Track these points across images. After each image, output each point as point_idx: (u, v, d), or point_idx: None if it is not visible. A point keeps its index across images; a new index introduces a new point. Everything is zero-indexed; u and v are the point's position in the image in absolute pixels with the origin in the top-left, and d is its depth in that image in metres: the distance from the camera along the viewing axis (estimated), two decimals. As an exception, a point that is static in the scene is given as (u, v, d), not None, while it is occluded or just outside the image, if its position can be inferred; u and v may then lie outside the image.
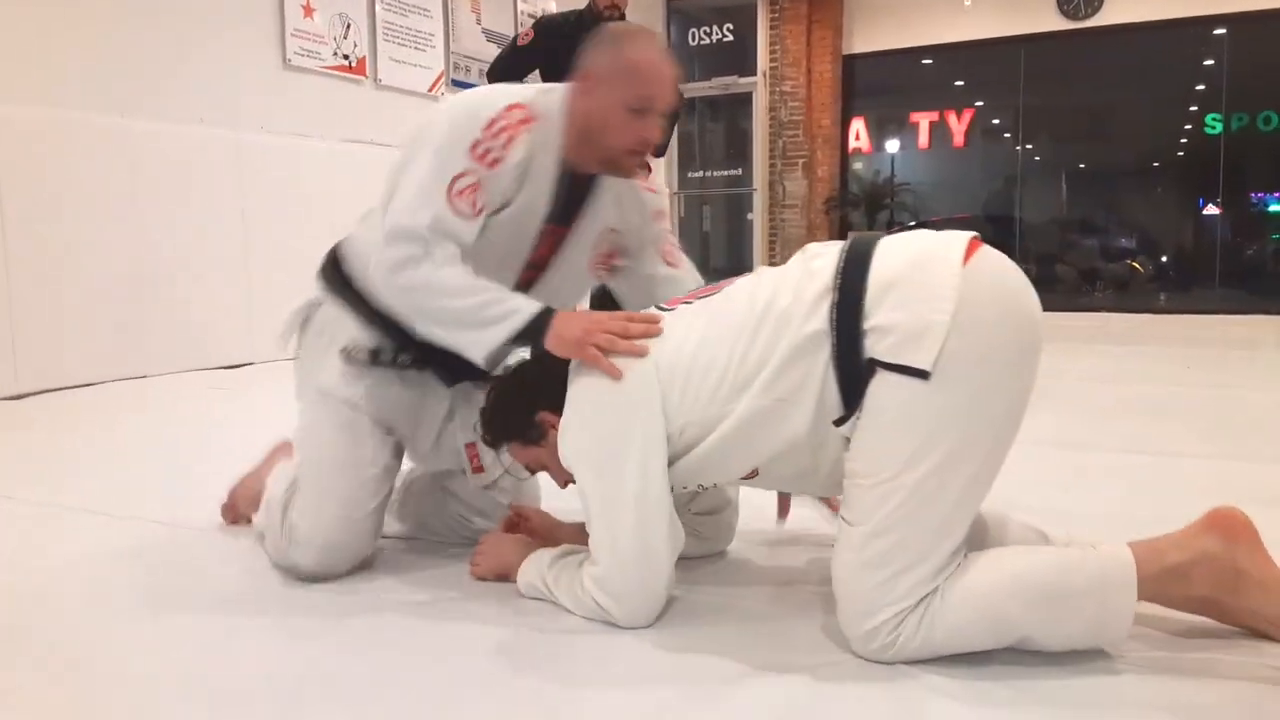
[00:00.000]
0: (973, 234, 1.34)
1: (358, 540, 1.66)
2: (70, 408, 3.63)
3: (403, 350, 1.65)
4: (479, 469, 1.75)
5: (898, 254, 1.33)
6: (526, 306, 1.48)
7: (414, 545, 1.88)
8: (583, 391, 1.42)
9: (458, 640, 1.40)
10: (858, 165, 9.61)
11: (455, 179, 1.51)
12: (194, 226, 4.58)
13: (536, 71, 3.96)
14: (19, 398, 3.78)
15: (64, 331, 4.02)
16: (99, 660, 1.36)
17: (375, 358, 1.67)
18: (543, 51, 3.90)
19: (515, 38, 3.97)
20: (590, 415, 1.41)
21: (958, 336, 1.24)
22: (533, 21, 4.01)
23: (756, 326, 1.35)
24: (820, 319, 1.30)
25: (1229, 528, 1.27)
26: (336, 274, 1.72)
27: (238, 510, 1.95)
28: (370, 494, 1.67)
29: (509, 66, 3.96)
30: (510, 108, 1.54)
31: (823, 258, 1.37)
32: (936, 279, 1.27)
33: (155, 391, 4.00)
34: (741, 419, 1.34)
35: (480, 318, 1.46)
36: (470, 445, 1.72)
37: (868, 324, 1.27)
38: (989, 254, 1.33)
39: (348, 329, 1.69)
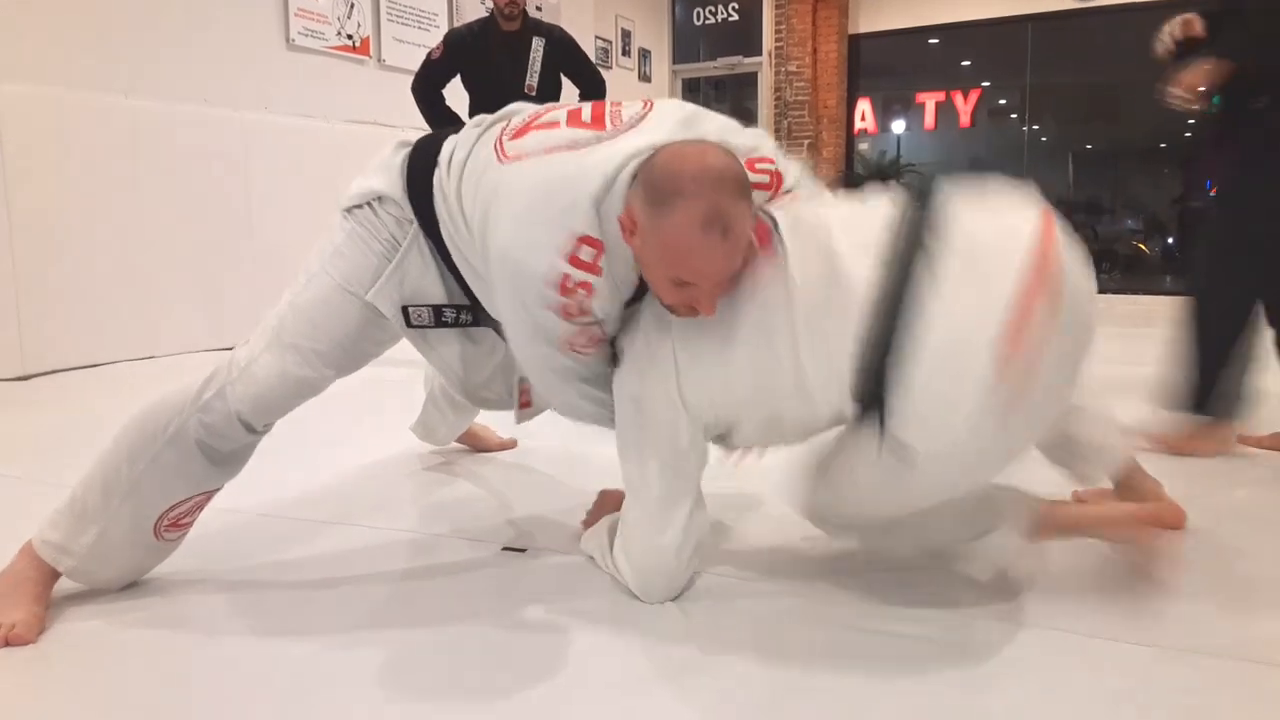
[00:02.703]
0: (1043, 209, 1.28)
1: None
2: (76, 388, 3.64)
3: (464, 310, 1.56)
4: (526, 404, 1.74)
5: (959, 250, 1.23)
6: None
7: (418, 533, 1.88)
8: (641, 344, 1.42)
9: (466, 615, 1.42)
10: (863, 146, 9.57)
11: (564, 343, 1.38)
12: (197, 206, 4.58)
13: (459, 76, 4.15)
14: (25, 378, 3.79)
15: (69, 312, 4.03)
16: (98, 640, 1.37)
17: (439, 316, 1.55)
18: (453, 64, 4.11)
19: (429, 53, 4.15)
20: (642, 367, 1.41)
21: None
22: (443, 36, 4.26)
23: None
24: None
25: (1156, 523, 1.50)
26: (427, 204, 1.48)
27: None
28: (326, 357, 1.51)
29: (427, 80, 4.15)
30: (580, 243, 1.27)
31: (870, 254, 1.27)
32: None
33: (161, 372, 4.01)
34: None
35: None
36: (523, 382, 1.69)
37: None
38: (1057, 255, 1.25)
39: (417, 271, 1.51)
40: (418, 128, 4.25)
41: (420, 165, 1.50)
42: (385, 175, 1.53)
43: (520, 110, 1.50)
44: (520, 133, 1.40)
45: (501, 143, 1.40)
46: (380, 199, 1.52)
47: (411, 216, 1.50)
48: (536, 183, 1.31)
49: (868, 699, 1.16)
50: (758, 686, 1.19)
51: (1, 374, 3.76)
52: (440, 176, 1.46)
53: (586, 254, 1.27)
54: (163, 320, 4.42)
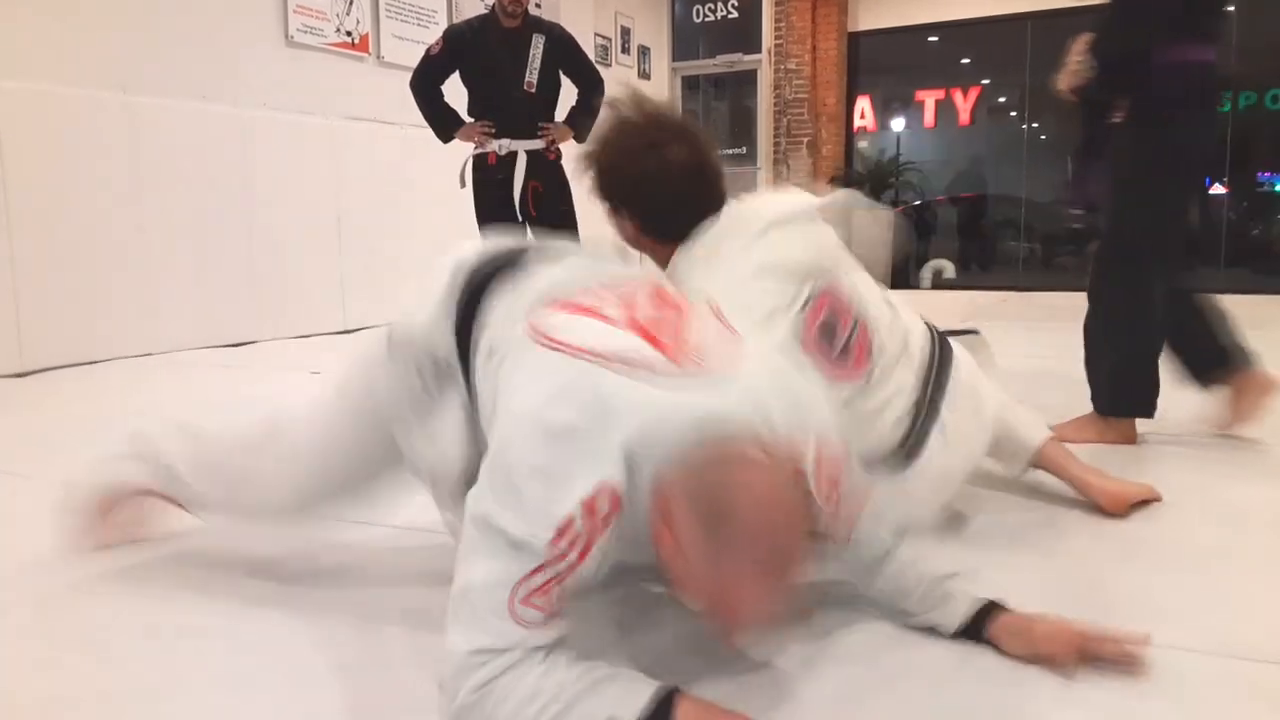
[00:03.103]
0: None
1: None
2: (75, 385, 3.64)
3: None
4: None
5: None
6: (632, 698, 1.00)
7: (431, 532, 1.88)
8: None
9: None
10: (863, 144, 9.57)
11: (519, 584, 1.00)
12: (196, 203, 4.58)
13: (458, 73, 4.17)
14: (23, 375, 3.79)
15: (68, 308, 4.02)
16: (93, 636, 1.37)
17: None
18: (452, 60, 4.13)
19: (428, 49, 4.18)
20: None
21: None
22: (442, 32, 4.34)
23: None
24: None
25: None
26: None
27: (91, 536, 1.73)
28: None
29: (425, 75, 4.17)
30: (596, 496, 0.99)
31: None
32: None
33: (159, 369, 4.01)
34: None
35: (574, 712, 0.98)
36: None
37: None
38: None
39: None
40: (417, 124, 4.25)
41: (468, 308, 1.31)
42: (433, 321, 1.32)
43: (562, 278, 1.26)
44: (564, 307, 1.17)
45: (536, 316, 1.17)
46: (434, 359, 1.32)
47: (460, 378, 1.31)
48: (573, 401, 1.04)
49: (867, 699, 1.16)
50: (757, 686, 1.19)
51: (0, 370, 3.76)
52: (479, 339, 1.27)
53: (605, 502, 1.00)
54: (161, 317, 4.42)
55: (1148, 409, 2.49)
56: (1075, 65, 2.47)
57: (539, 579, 0.99)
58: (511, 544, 0.99)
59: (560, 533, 0.98)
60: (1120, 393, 2.49)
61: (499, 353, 1.20)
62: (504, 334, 1.21)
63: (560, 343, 1.10)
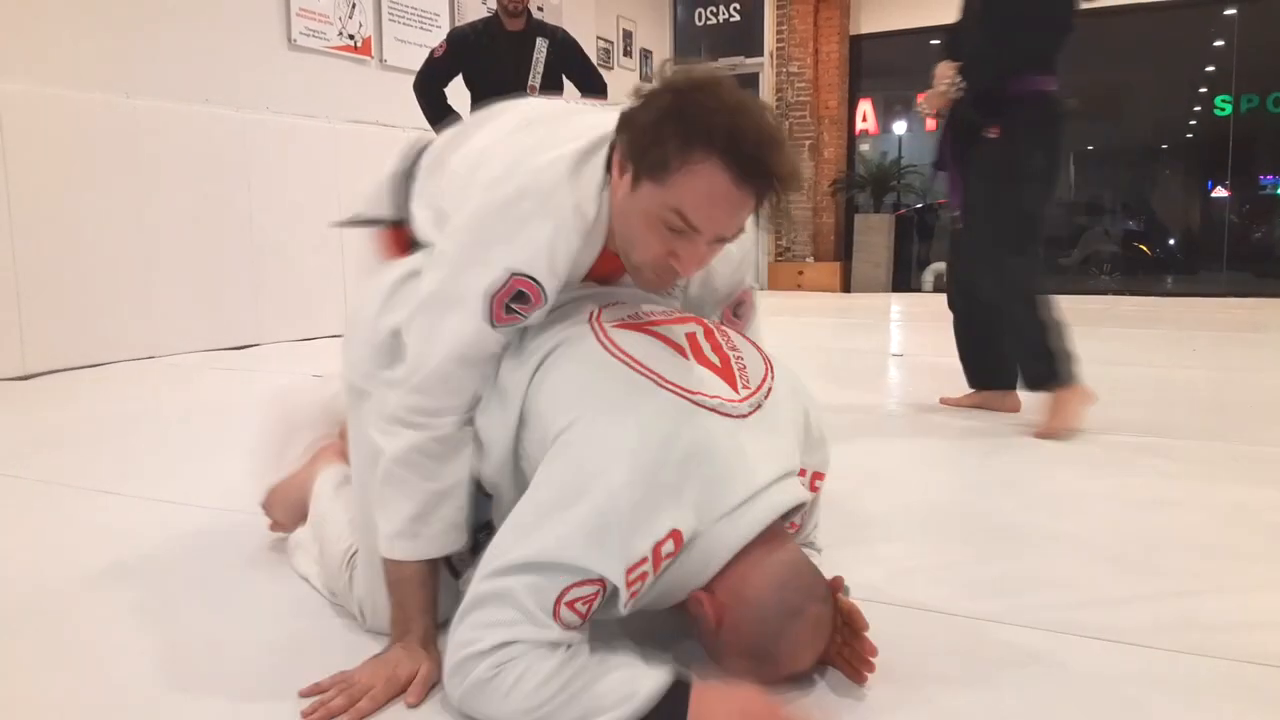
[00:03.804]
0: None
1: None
2: (77, 388, 3.64)
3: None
4: None
5: None
6: (646, 684, 1.02)
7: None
8: None
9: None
10: (864, 147, 9.57)
11: (569, 588, 1.05)
12: (199, 206, 4.59)
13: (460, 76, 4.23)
14: (26, 378, 3.79)
15: (70, 312, 4.03)
16: (95, 638, 1.37)
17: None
18: (455, 63, 4.18)
19: (432, 51, 4.23)
20: None
21: None
22: (445, 35, 4.39)
23: None
24: None
25: None
26: None
27: (274, 518, 1.73)
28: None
29: (429, 78, 4.22)
30: (667, 540, 1.06)
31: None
32: None
33: (161, 372, 4.02)
34: None
35: (585, 706, 1.02)
36: None
37: None
38: None
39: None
40: (419, 127, 4.26)
41: None
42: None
43: (616, 296, 1.31)
44: (629, 326, 1.23)
45: (601, 322, 1.23)
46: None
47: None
48: (657, 441, 1.08)
49: (865, 700, 1.17)
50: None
51: (3, 373, 3.76)
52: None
53: (669, 546, 1.07)
54: (163, 320, 4.43)
55: (1057, 379, 2.61)
56: (945, 87, 2.72)
57: (589, 589, 1.05)
58: (577, 570, 1.04)
59: (631, 569, 1.05)
60: (1065, 358, 2.61)
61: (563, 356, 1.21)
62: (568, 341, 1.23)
63: (648, 369, 1.15)
